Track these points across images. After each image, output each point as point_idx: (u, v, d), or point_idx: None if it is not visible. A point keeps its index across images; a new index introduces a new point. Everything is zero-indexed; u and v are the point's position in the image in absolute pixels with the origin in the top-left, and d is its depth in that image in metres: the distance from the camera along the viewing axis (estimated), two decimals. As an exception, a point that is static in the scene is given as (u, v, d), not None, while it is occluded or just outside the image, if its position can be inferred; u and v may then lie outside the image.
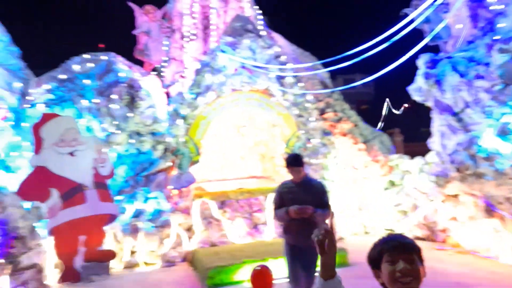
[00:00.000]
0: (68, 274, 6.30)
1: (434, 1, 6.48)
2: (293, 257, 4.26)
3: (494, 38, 6.61)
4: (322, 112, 10.21)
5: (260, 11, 10.75)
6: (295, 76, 8.92)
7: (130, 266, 6.98)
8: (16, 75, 7.34)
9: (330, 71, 11.13)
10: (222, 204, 7.94)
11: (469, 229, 7.35)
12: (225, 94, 8.26)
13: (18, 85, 7.24)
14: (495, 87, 6.54)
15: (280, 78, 8.73)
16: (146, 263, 7.07)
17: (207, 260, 6.59)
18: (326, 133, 9.36)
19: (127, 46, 10.23)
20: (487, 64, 6.68)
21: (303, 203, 4.08)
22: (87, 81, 7.81)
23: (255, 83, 8.46)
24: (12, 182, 6.40)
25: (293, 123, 8.68)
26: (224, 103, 8.28)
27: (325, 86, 11.27)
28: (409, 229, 8.60)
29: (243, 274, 6.26)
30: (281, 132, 8.73)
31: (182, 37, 9.95)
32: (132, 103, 7.95)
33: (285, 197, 4.25)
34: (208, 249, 7.33)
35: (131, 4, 10.12)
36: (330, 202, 4.30)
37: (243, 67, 8.41)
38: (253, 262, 6.31)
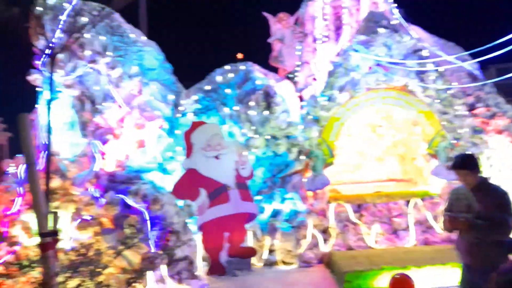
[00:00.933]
0: (215, 268, 6.81)
1: None
2: (462, 277, 3.73)
3: None
4: (471, 107, 9.14)
5: (395, 4, 10.16)
6: (436, 70, 8.18)
7: (269, 263, 7.21)
8: (169, 88, 8.27)
9: (480, 62, 9.93)
10: (359, 208, 7.69)
11: None
12: (359, 94, 8.00)
13: (171, 97, 8.13)
14: None
15: (419, 73, 8.09)
16: (283, 262, 7.23)
17: (344, 263, 6.45)
18: (477, 131, 8.35)
19: (262, 55, 10.67)
20: None
21: (468, 214, 3.47)
22: (228, 90, 8.37)
23: (391, 80, 8.01)
24: (168, 182, 7.19)
25: (436, 121, 7.96)
26: (358, 103, 8.03)
27: (474, 79, 10.09)
28: None
29: (382, 281, 5.96)
30: (422, 131, 8.09)
31: (315, 40, 9.97)
32: (268, 108, 8.24)
33: (454, 205, 3.68)
34: (345, 253, 7.16)
35: (265, 14, 10.53)
36: (508, 216, 3.40)
37: (378, 64, 8.04)
38: (392, 269, 5.95)
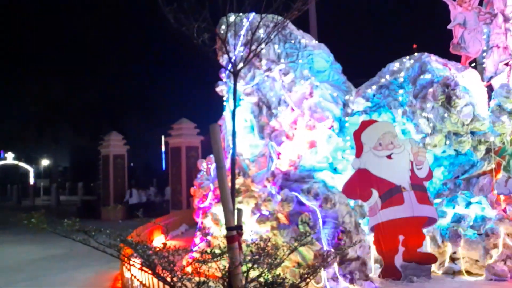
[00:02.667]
0: (389, 271, 6.47)
1: None
2: None
3: None
4: None
5: None
6: None
7: (450, 272, 6.50)
8: (339, 88, 8.21)
9: None
10: None
11: None
12: None
13: (341, 97, 8.07)
14: None
15: None
16: (468, 272, 6.40)
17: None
18: None
19: (441, 44, 9.63)
20: None
21: None
22: (400, 85, 7.84)
23: None
24: (339, 182, 7.15)
25: None
26: None
27: None
28: None
29: None
30: None
31: (506, 20, 8.50)
32: (448, 102, 7.40)
33: None
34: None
35: (445, -1, 9.47)
36: None
37: None
38: None
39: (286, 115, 7.82)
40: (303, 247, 6.10)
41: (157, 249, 3.52)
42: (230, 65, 4.90)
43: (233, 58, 6.83)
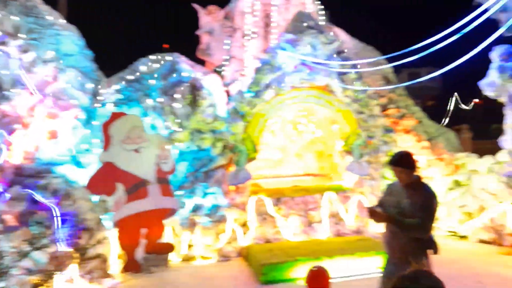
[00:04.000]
0: (130, 265, 6.42)
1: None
2: (385, 266, 3.70)
3: None
4: (384, 108, 9.52)
5: (322, 6, 10.26)
6: (357, 72, 8.36)
7: (187, 259, 6.97)
8: (88, 76, 7.62)
9: (394, 66, 10.36)
10: (278, 201, 7.68)
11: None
12: (284, 92, 7.94)
13: (90, 85, 7.50)
14: None
15: (340, 74, 8.22)
16: (202, 257, 7.03)
17: (261, 256, 6.39)
18: (388, 130, 8.70)
19: (190, 46, 10.26)
20: None
21: (397, 210, 3.47)
22: (152, 81, 7.90)
23: (314, 80, 8.05)
24: (82, 176, 6.62)
25: (353, 120, 8.15)
26: (282, 100, 7.97)
27: (388, 81, 10.51)
28: (474, 232, 7.76)
29: (297, 272, 6.00)
30: (340, 129, 8.25)
31: (243, 35, 9.76)
32: (194, 101, 7.92)
33: (386, 199, 3.67)
34: (262, 246, 7.12)
35: (195, 6, 10.11)
36: (426, 219, 3.38)
37: (303, 64, 8.03)
38: (307, 260, 6.05)
39: (22, 99, 6.69)
40: (37, 251, 5.38)
41: None
42: None
43: None
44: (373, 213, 3.48)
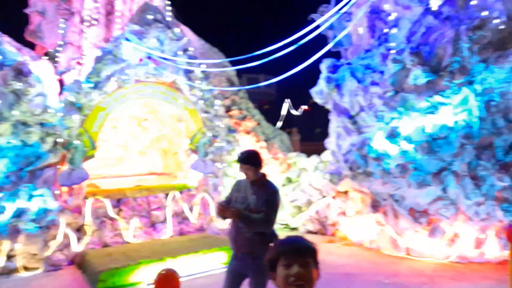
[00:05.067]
0: None
1: (339, 10, 6.45)
2: (229, 262, 3.71)
3: (389, 48, 6.81)
4: (227, 109, 9.86)
5: (169, 2, 10.03)
6: (203, 71, 8.41)
7: (6, 271, 5.90)
8: None
9: (236, 70, 10.84)
10: (118, 202, 7.15)
11: (355, 222, 7.59)
12: (128, 85, 7.45)
13: None
14: (387, 94, 6.73)
15: (187, 72, 8.15)
16: (26, 268, 6.04)
17: (98, 262, 5.83)
18: (231, 130, 9.02)
19: (17, 26, 8.79)
20: (381, 72, 6.86)
21: (244, 206, 3.54)
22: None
23: (161, 75, 7.78)
24: None
25: (199, 119, 8.17)
26: (126, 94, 7.47)
27: (232, 84, 10.94)
28: (303, 224, 8.67)
29: (140, 276, 5.66)
30: (186, 127, 8.17)
31: (82, 21, 8.82)
32: (19, 89, 6.76)
33: (234, 195, 3.68)
34: (100, 250, 6.53)
35: (22, -21, 8.70)
36: (270, 213, 3.49)
37: (149, 57, 7.67)
38: (150, 262, 5.78)
39: None
40: None
41: None
42: None
43: None
44: (222, 209, 3.50)
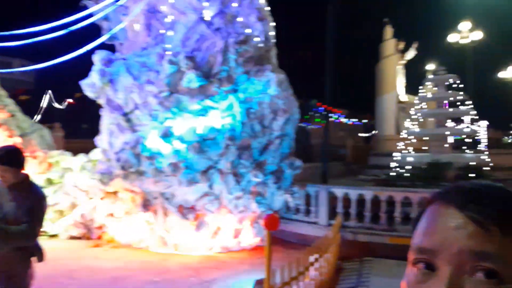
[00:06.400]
0: None
1: (116, 1, 6.12)
2: None
3: (165, 49, 6.90)
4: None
5: None
6: None
7: None
8: None
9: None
10: None
11: (124, 223, 7.39)
12: None
13: None
14: (162, 94, 6.80)
15: None
16: None
17: None
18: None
19: None
20: (157, 72, 6.88)
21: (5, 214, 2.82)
22: None
23: None
24: None
25: None
26: None
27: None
28: (65, 229, 7.83)
29: None
30: None
31: None
32: None
33: None
34: None
35: None
36: (34, 224, 2.89)
37: None
38: None
39: None
40: None
41: None
42: None
43: None
44: None
